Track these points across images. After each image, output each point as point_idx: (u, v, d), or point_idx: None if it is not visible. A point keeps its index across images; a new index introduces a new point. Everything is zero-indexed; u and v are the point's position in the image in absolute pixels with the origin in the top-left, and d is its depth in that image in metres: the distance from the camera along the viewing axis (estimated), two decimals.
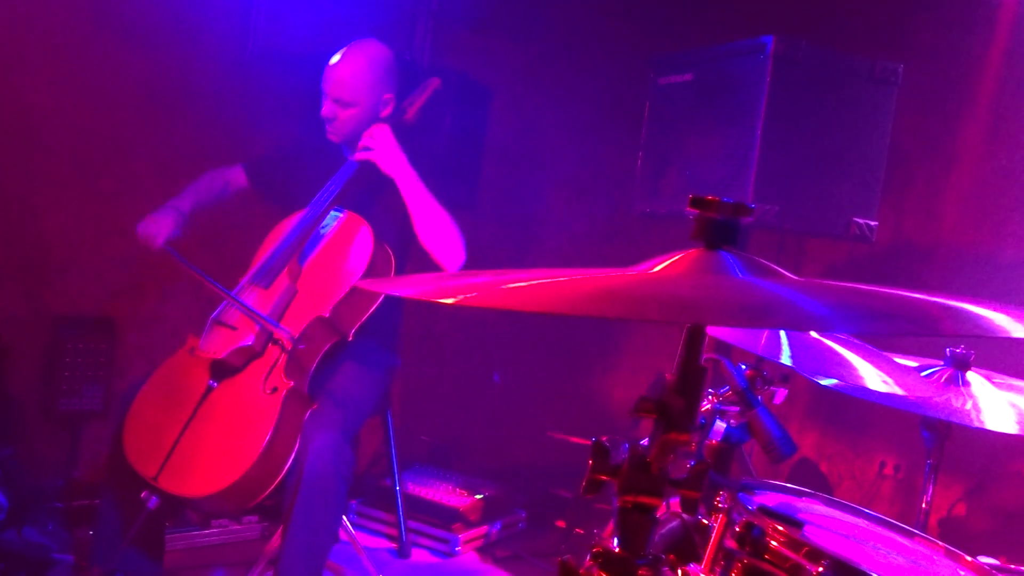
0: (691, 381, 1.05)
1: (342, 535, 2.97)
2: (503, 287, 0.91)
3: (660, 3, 4.28)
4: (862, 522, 1.80)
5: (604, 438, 1.10)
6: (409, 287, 0.98)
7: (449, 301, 0.88)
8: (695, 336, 1.05)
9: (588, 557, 1.11)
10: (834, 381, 2.07)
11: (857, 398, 2.16)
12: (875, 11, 3.67)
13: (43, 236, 3.34)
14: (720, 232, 1.06)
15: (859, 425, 3.70)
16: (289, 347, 2.59)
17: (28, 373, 3.33)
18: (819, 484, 3.68)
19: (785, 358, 1.67)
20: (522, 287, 0.91)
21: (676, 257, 1.05)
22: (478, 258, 2.85)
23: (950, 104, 3.48)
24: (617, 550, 1.09)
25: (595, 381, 4.68)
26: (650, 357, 4.42)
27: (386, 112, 2.98)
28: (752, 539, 1.49)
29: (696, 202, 1.07)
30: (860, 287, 0.99)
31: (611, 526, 1.13)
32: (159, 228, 2.74)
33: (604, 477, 1.10)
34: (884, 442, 3.62)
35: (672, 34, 4.13)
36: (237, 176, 3.11)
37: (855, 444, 3.72)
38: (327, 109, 2.93)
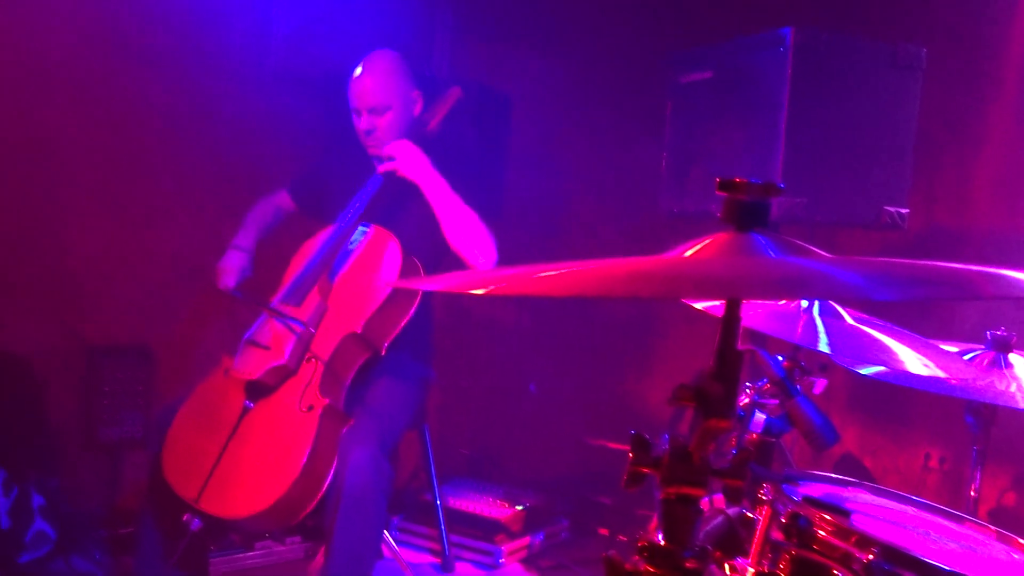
0: (728, 366, 1.03)
1: (385, 551, 2.96)
2: (535, 276, 0.90)
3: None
4: (910, 509, 1.77)
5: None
6: (439, 283, 0.98)
7: (480, 292, 0.87)
8: (730, 320, 1.03)
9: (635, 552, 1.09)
10: (874, 368, 2.04)
11: (899, 390, 2.12)
12: None
13: (74, 267, 3.38)
14: (750, 213, 1.04)
15: (902, 418, 3.64)
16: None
17: (68, 404, 3.36)
18: (863, 478, 3.61)
19: (823, 346, 1.65)
20: (554, 275, 0.90)
21: (707, 241, 1.04)
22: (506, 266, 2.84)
23: (977, 87, 3.42)
24: (663, 543, 1.08)
25: (631, 387, 4.64)
26: (685, 360, 4.38)
27: (418, 109, 2.99)
28: (799, 530, 1.46)
29: (724, 185, 1.05)
30: (896, 260, 0.97)
31: (655, 520, 1.12)
32: (228, 278, 2.88)
33: (645, 470, 1.08)
34: (928, 434, 3.55)
35: (690, 30, 4.11)
36: (284, 200, 3.17)
37: (899, 437, 3.66)
38: (365, 123, 2.93)
